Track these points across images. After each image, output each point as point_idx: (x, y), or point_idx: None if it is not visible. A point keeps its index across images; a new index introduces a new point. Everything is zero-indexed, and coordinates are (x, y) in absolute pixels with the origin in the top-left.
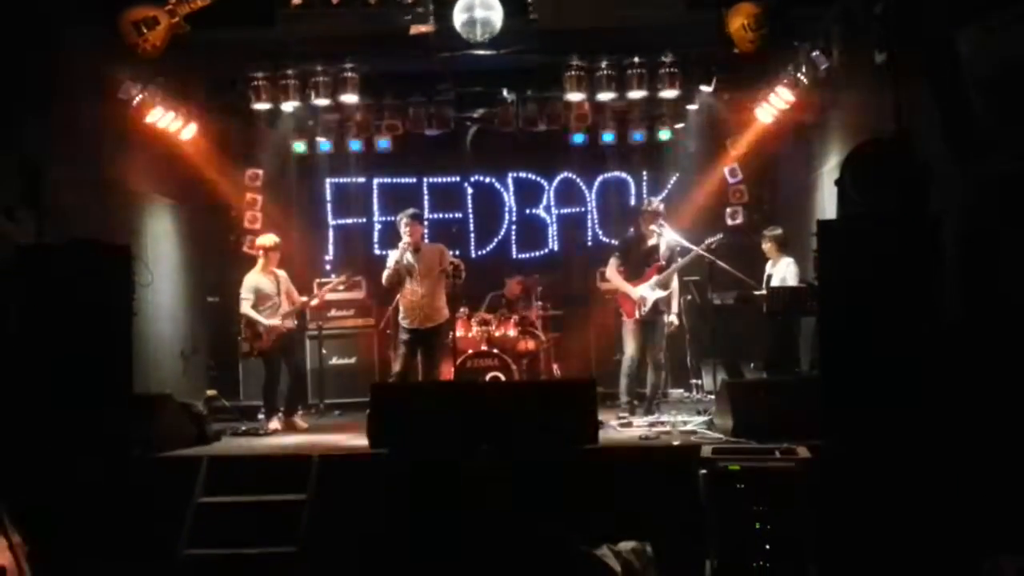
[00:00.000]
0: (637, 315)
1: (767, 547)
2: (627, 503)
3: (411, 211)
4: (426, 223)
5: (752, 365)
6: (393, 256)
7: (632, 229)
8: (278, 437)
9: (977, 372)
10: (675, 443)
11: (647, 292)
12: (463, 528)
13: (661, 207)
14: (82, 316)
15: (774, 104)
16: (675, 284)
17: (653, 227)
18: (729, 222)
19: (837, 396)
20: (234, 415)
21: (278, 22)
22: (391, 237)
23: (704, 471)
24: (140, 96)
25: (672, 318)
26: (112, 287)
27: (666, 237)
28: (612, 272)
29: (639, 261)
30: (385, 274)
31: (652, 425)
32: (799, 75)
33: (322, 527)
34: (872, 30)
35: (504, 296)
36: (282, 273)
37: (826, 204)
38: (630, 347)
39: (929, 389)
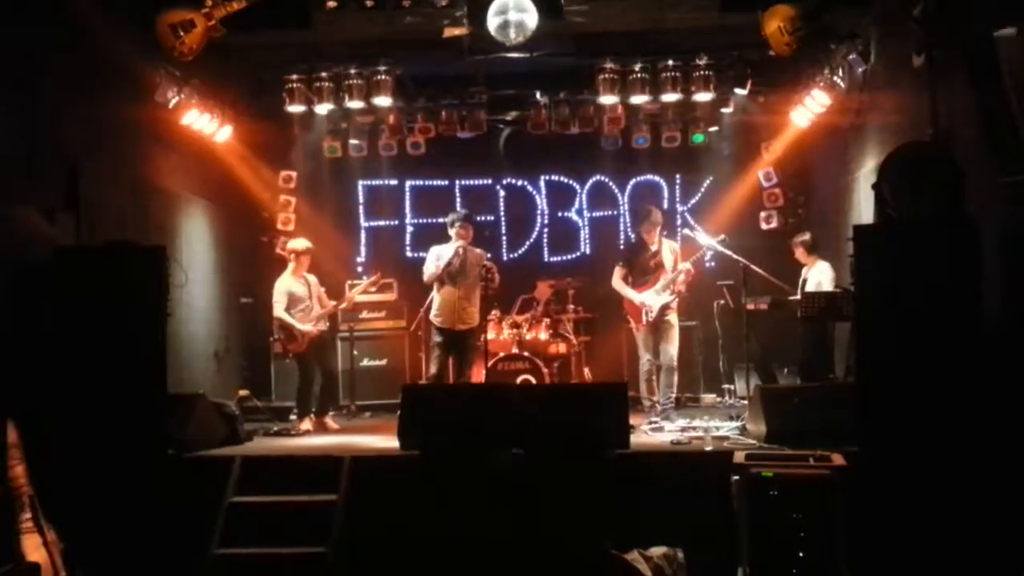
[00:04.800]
0: (645, 320)
1: (800, 555)
2: (658, 508)
3: (464, 212)
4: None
5: (786, 371)
6: (444, 256)
7: (635, 237)
8: (310, 438)
9: (1017, 377)
10: (707, 448)
11: (652, 297)
12: (493, 531)
13: (661, 217)
14: (118, 317)
15: (810, 107)
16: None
17: (656, 236)
18: (763, 226)
19: (873, 402)
20: (266, 415)
21: (313, 25)
22: (423, 239)
23: (737, 477)
24: (176, 98)
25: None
26: (148, 288)
27: (700, 240)
28: (617, 281)
29: (643, 268)
30: (430, 271)
31: (684, 430)
32: (835, 78)
33: (353, 528)
34: (910, 32)
35: (535, 299)
36: (312, 278)
37: (862, 208)
38: (645, 353)
39: (967, 395)
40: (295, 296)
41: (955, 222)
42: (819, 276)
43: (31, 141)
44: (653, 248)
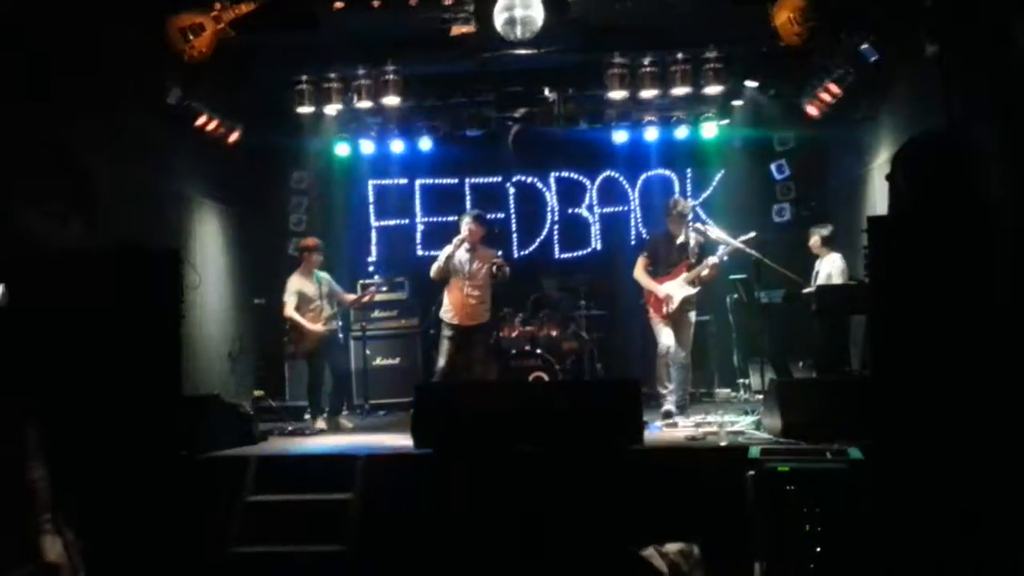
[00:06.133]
0: (665, 311)
1: (817, 550)
2: (673, 504)
3: (475, 212)
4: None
5: (801, 364)
6: (447, 250)
7: (663, 228)
8: (324, 437)
9: None
10: (722, 444)
11: (674, 289)
12: (507, 528)
13: (689, 207)
14: (133, 319)
15: (822, 98)
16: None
17: (682, 227)
18: (776, 219)
19: (889, 395)
20: (280, 415)
21: (320, 26)
22: (434, 238)
23: (752, 472)
24: (187, 101)
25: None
26: (162, 290)
27: (711, 234)
28: (639, 271)
29: (668, 259)
30: (435, 266)
31: (698, 425)
32: (847, 68)
33: (368, 526)
34: (922, 21)
35: (545, 297)
36: (325, 275)
37: (876, 199)
38: (664, 338)
39: (983, 387)
40: (305, 296)
41: (970, 213)
42: (830, 268)
43: (44, 145)
44: (679, 240)
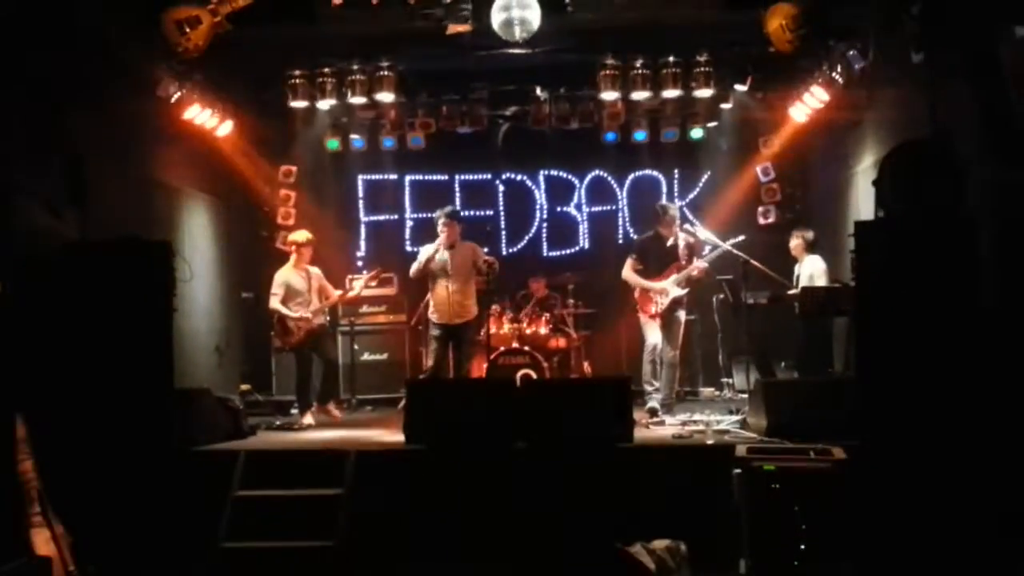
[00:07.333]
0: (654, 310)
1: (802, 547)
2: (661, 501)
3: (449, 209)
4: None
5: (784, 364)
6: (425, 252)
7: (651, 231)
8: (314, 432)
9: (1014, 371)
10: (709, 442)
11: (667, 287)
12: (497, 525)
13: (676, 211)
14: (125, 312)
15: (809, 103)
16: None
17: (672, 230)
18: (761, 221)
19: (872, 396)
20: (268, 409)
21: (318, 21)
22: (423, 234)
23: (738, 471)
24: (179, 93)
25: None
26: (154, 283)
27: (699, 235)
28: (627, 272)
29: (657, 261)
30: (414, 267)
31: (685, 424)
32: (834, 74)
33: (358, 521)
34: (909, 30)
35: (531, 295)
36: (315, 270)
37: (860, 204)
38: (652, 336)
39: (965, 389)
40: (292, 289)
41: (955, 219)
42: (811, 269)
43: (36, 136)
44: (669, 243)
